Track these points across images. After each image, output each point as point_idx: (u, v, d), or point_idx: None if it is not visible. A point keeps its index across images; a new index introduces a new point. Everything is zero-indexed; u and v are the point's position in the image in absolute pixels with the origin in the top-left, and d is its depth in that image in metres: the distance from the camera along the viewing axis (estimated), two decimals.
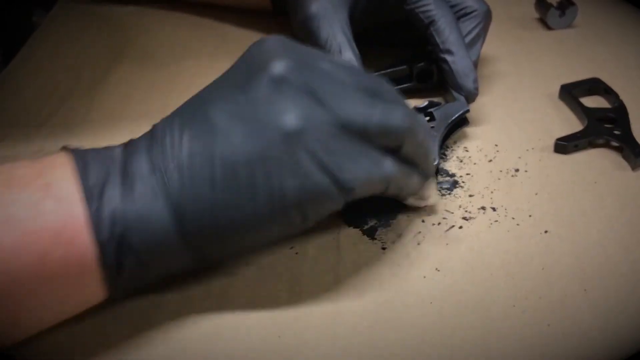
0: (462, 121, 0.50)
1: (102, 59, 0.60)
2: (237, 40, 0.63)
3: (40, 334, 0.35)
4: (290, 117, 0.33)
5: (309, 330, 0.37)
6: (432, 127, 0.48)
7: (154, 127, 0.36)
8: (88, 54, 0.61)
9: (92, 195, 0.33)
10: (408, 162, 0.38)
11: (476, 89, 0.50)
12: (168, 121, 0.36)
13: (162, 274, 0.36)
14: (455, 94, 0.50)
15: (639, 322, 0.37)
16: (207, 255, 0.36)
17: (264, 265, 0.41)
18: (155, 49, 0.62)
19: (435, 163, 0.44)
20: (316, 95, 0.34)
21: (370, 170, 0.36)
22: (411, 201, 0.42)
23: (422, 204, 0.43)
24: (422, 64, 0.53)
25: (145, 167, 0.34)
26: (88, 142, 0.50)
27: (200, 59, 0.60)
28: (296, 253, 0.41)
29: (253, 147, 0.33)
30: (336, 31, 0.50)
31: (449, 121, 0.48)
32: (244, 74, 0.36)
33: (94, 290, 0.34)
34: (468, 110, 0.50)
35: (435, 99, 0.51)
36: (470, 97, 0.50)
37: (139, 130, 0.52)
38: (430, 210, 0.44)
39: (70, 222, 0.32)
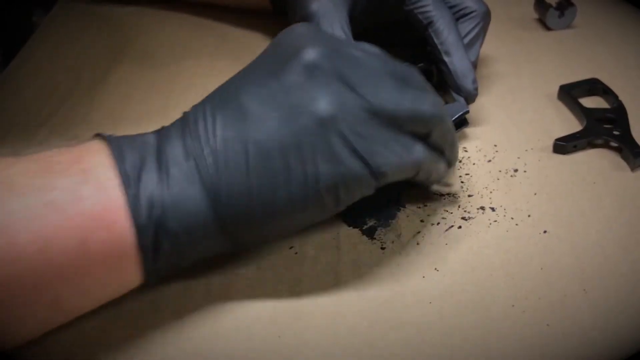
0: (461, 122, 0.50)
1: (102, 59, 0.60)
2: (237, 40, 0.63)
3: (43, 334, 0.35)
4: (323, 102, 0.34)
5: (309, 330, 0.37)
6: None
7: (185, 114, 0.37)
8: (88, 54, 0.61)
9: (130, 181, 0.33)
10: (436, 148, 0.39)
11: (475, 89, 0.50)
12: (200, 108, 0.36)
13: (196, 257, 0.36)
14: (454, 94, 0.50)
15: (639, 322, 0.37)
16: (242, 240, 0.36)
17: (264, 265, 0.41)
18: (155, 49, 0.62)
19: (458, 156, 0.45)
20: (348, 81, 0.35)
21: (401, 155, 0.37)
22: (436, 187, 0.44)
23: (446, 190, 0.45)
24: (421, 64, 0.53)
25: (180, 153, 0.35)
26: None
27: (200, 59, 0.60)
28: (296, 253, 0.41)
29: (287, 132, 0.34)
30: (336, 30, 0.50)
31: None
32: (275, 61, 0.36)
33: (131, 275, 0.34)
34: (468, 111, 0.50)
35: None
36: (470, 97, 0.50)
37: (138, 130, 0.52)
38: (453, 198, 0.45)
39: (109, 206, 0.32)
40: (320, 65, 0.35)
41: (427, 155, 0.38)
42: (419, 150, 0.37)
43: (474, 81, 0.50)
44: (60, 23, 0.67)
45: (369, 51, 0.38)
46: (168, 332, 0.37)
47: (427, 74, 0.53)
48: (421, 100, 0.37)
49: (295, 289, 0.39)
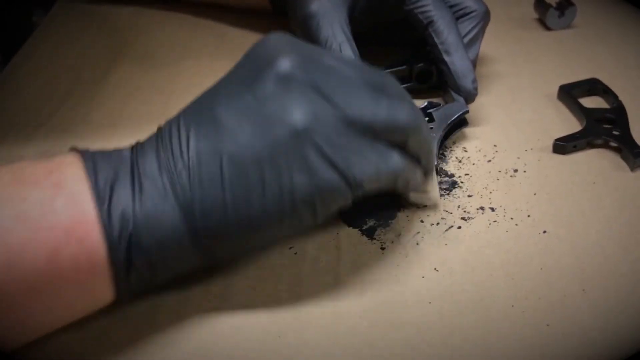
0: (461, 122, 0.50)
1: (102, 59, 0.60)
2: (237, 40, 0.63)
3: (40, 337, 0.35)
4: (298, 114, 0.34)
5: (309, 330, 0.37)
6: (432, 127, 0.48)
7: (160, 128, 0.36)
8: (88, 54, 0.61)
9: (102, 195, 0.33)
10: (412, 157, 0.38)
11: (475, 89, 0.50)
12: (174, 121, 0.36)
13: (170, 274, 0.36)
14: (454, 94, 0.50)
15: (639, 322, 0.37)
16: (217, 254, 0.36)
17: (264, 265, 0.41)
18: (155, 49, 0.62)
19: (434, 164, 0.44)
20: (323, 91, 0.35)
21: (378, 165, 0.36)
22: (415, 198, 0.43)
23: (426, 202, 0.44)
24: (421, 64, 0.53)
25: (154, 168, 0.34)
26: (88, 142, 0.50)
27: (200, 59, 0.60)
28: (295, 253, 0.41)
29: (261, 144, 0.34)
30: (336, 30, 0.50)
31: (448, 122, 0.48)
32: (249, 72, 0.36)
33: (102, 292, 0.34)
34: (467, 111, 0.50)
35: (435, 100, 0.52)
36: (470, 97, 0.50)
37: (139, 130, 0.52)
38: (433, 208, 0.44)
39: (81, 220, 0.32)
40: (293, 75, 0.34)
41: (404, 164, 0.37)
42: (395, 159, 0.37)
43: (474, 81, 0.50)
44: (60, 23, 0.67)
45: (344, 59, 0.37)
46: (167, 332, 0.37)
47: (427, 74, 0.53)
48: (397, 108, 0.36)
49: (295, 289, 0.39)
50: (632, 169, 0.47)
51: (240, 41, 0.63)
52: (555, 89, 0.55)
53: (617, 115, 0.51)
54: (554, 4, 0.64)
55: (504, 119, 0.53)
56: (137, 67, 0.59)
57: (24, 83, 0.58)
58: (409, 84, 0.54)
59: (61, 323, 0.35)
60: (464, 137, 0.51)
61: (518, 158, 0.49)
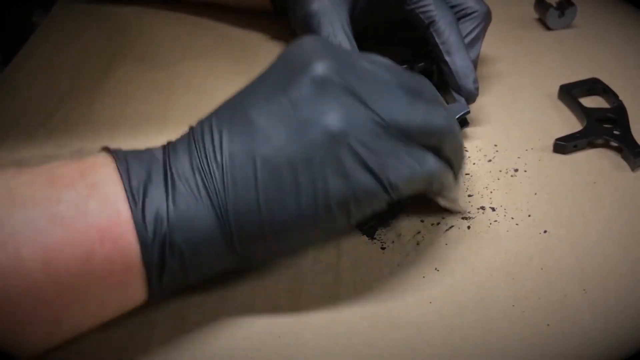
0: (462, 122, 0.50)
1: (102, 59, 0.60)
2: (237, 41, 0.63)
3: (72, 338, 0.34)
4: (334, 117, 0.34)
5: (309, 330, 0.37)
6: None
7: (192, 128, 0.36)
8: (88, 54, 0.61)
9: (136, 195, 0.33)
10: (446, 161, 0.38)
11: (476, 89, 0.50)
12: (206, 122, 0.36)
13: (203, 274, 0.36)
14: (455, 95, 0.50)
15: (639, 322, 0.37)
16: (251, 256, 0.36)
17: (263, 265, 0.41)
18: (155, 49, 0.62)
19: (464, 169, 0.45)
20: (358, 95, 0.34)
21: (413, 168, 0.36)
22: (445, 203, 0.42)
23: (456, 208, 0.43)
24: (422, 64, 0.53)
25: (186, 168, 0.34)
26: (88, 142, 0.50)
27: (200, 59, 0.60)
28: (296, 253, 0.41)
29: (296, 147, 0.34)
30: (337, 29, 0.50)
31: None
32: (284, 75, 0.36)
33: (135, 292, 0.34)
34: (469, 112, 0.50)
35: None
36: (471, 97, 0.50)
37: (139, 129, 0.52)
38: (461, 213, 0.44)
39: (115, 221, 0.32)
40: (329, 79, 0.34)
41: (439, 168, 0.37)
42: (431, 163, 0.37)
43: (475, 81, 0.50)
44: (60, 23, 0.67)
45: (379, 63, 0.37)
46: (167, 332, 0.37)
47: (428, 74, 0.53)
48: (433, 113, 0.36)
49: (295, 289, 0.39)
50: (633, 168, 0.47)
51: (240, 41, 0.63)
52: (556, 89, 0.55)
53: (618, 115, 0.51)
54: (554, 4, 0.64)
55: (505, 119, 0.53)
56: (137, 67, 0.59)
57: (24, 83, 0.58)
58: None
59: (93, 323, 0.34)
60: (464, 137, 0.50)
61: (518, 158, 0.49)
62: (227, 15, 0.66)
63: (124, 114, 0.54)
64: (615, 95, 0.53)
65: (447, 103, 0.51)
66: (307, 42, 0.36)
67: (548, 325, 0.37)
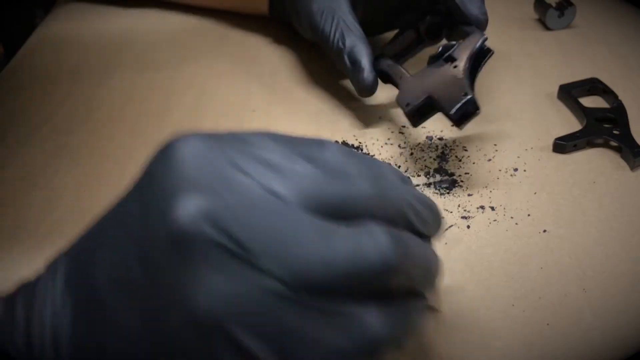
0: (485, 52, 0.47)
1: (102, 59, 0.60)
2: (237, 41, 0.63)
3: None
4: (201, 295, 0.23)
5: None
6: (455, 67, 0.46)
7: (29, 285, 0.27)
8: (88, 54, 0.61)
9: None
10: (398, 307, 0.26)
11: (484, 14, 0.48)
12: (49, 284, 0.26)
13: None
14: (466, 28, 0.49)
15: (639, 322, 0.37)
16: None
17: None
18: (155, 49, 0.62)
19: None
20: (241, 248, 0.23)
21: (340, 345, 0.24)
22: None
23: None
24: (429, 17, 0.52)
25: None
26: (88, 142, 0.51)
27: (199, 59, 0.60)
28: None
29: (153, 338, 0.24)
30: (342, 20, 0.50)
31: (470, 53, 0.46)
32: (140, 215, 0.25)
33: None
34: (486, 38, 0.47)
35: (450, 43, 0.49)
36: (480, 24, 0.48)
37: (139, 130, 0.52)
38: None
39: None
40: (194, 234, 0.23)
41: (387, 328, 0.25)
42: (371, 326, 0.24)
43: (481, 6, 0.48)
44: (60, 23, 0.67)
45: (274, 155, 0.26)
46: None
47: (437, 27, 0.52)
48: (365, 235, 0.24)
49: None
50: (632, 168, 0.47)
51: (240, 42, 0.63)
52: (556, 89, 0.55)
53: (617, 114, 0.51)
54: (553, 4, 0.64)
55: (504, 118, 0.53)
56: (137, 67, 0.59)
57: (24, 83, 0.58)
58: (420, 46, 0.53)
59: None
60: (464, 136, 0.51)
61: (518, 157, 0.49)
62: (227, 15, 0.66)
63: (124, 114, 0.54)
64: (615, 95, 0.53)
65: (460, 39, 0.48)
66: (177, 151, 0.25)
67: (548, 325, 0.37)
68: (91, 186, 0.46)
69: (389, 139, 0.50)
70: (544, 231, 0.43)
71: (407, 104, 0.46)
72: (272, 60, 0.60)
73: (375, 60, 0.51)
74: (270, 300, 0.23)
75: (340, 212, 0.25)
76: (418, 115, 0.47)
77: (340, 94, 0.55)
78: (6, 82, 0.58)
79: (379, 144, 0.50)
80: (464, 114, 0.43)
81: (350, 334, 0.24)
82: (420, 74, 0.48)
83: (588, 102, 0.53)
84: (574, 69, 0.58)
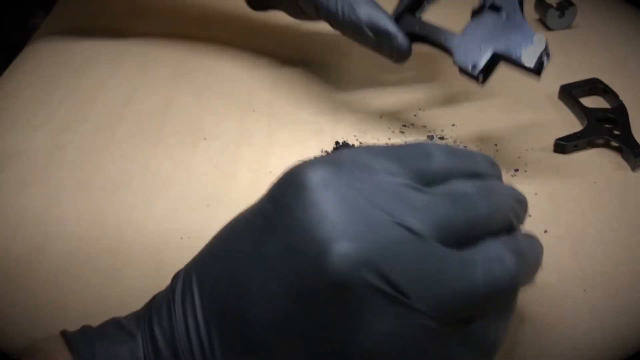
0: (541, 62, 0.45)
1: (102, 59, 0.60)
2: (239, 42, 0.63)
3: None
4: (367, 340, 0.24)
5: None
6: (507, 14, 0.45)
7: (155, 308, 0.29)
8: (88, 54, 0.61)
9: None
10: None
11: None
12: (190, 312, 0.27)
13: None
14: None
15: (639, 322, 0.37)
16: None
17: None
18: (155, 49, 0.62)
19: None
20: (395, 289, 0.24)
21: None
22: None
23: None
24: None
25: None
26: (88, 142, 0.51)
27: (200, 59, 0.60)
28: None
29: None
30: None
31: None
32: (288, 261, 0.25)
33: None
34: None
35: None
36: None
37: (139, 130, 0.52)
38: None
39: None
40: (356, 279, 0.24)
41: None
42: (496, 334, 0.27)
43: None
44: (60, 23, 0.67)
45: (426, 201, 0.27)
46: None
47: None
48: (493, 258, 0.27)
49: None
50: (633, 168, 0.47)
51: (242, 41, 0.63)
52: (556, 89, 0.55)
53: (618, 114, 0.51)
54: (554, 4, 0.64)
55: (505, 119, 0.52)
56: (137, 66, 0.59)
57: (24, 83, 0.58)
58: None
59: None
60: (464, 136, 0.51)
61: (519, 157, 0.49)
62: (227, 16, 0.66)
63: (124, 114, 0.54)
64: (616, 95, 0.53)
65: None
66: (309, 185, 0.25)
67: (548, 325, 0.37)
68: (91, 186, 0.46)
69: (389, 138, 0.50)
70: (545, 231, 0.42)
71: (473, 66, 0.44)
72: (272, 60, 0.60)
73: (397, 22, 0.48)
74: (423, 336, 0.25)
75: (465, 237, 0.27)
76: (484, 74, 0.45)
77: (341, 93, 0.55)
78: (6, 82, 0.58)
79: (380, 144, 0.50)
80: (542, 63, 0.42)
81: (478, 348, 0.27)
82: (469, 29, 0.46)
83: (589, 102, 0.53)
84: (574, 69, 0.58)
